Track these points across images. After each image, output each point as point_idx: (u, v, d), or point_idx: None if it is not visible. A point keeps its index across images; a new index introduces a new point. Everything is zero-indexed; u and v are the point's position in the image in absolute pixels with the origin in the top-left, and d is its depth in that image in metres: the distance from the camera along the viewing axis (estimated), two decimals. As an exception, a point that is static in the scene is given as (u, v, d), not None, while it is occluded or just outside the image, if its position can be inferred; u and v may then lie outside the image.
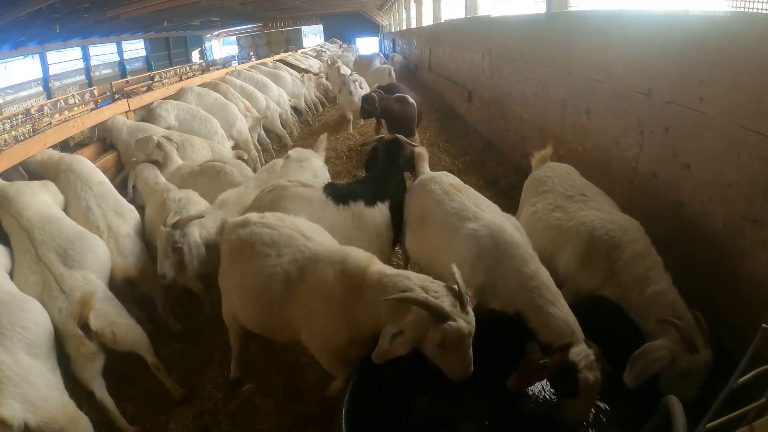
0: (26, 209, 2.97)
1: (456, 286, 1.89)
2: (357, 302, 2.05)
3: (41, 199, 3.15)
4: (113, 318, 2.55)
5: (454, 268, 1.93)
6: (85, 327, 2.38)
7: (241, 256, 2.37)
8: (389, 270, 2.07)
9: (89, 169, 3.64)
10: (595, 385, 1.89)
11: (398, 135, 3.51)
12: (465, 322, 1.85)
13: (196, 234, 2.98)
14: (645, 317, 2.16)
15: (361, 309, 2.04)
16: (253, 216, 2.49)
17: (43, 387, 2.12)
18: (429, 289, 1.91)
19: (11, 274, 2.77)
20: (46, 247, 2.76)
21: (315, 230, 2.43)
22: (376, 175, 3.20)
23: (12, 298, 2.45)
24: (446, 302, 1.86)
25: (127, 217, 3.41)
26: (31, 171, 3.69)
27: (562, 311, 2.05)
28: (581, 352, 1.92)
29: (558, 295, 2.12)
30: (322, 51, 18.15)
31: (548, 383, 2.25)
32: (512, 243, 2.27)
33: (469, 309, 1.89)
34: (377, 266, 2.10)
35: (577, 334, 2.00)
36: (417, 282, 1.95)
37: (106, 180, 3.69)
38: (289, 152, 3.80)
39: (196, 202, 3.48)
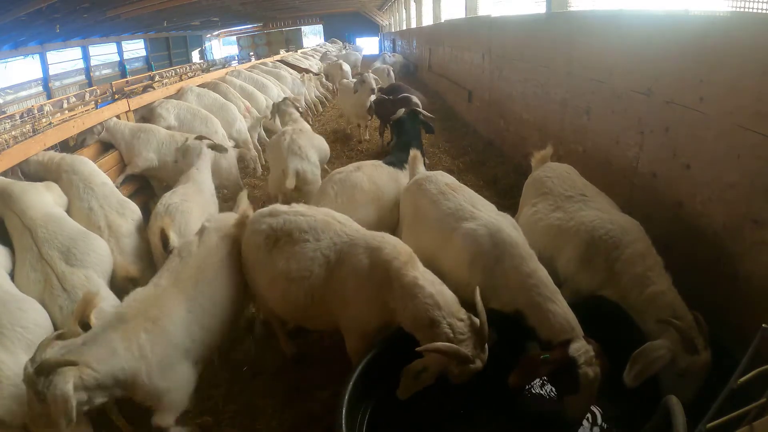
0: (30, 208, 2.98)
1: (478, 322, 1.99)
2: (387, 293, 2.11)
3: (45, 199, 3.17)
4: None
5: (478, 298, 2.01)
6: (85, 327, 2.39)
7: (278, 245, 2.37)
8: (422, 280, 2.09)
9: (91, 170, 3.64)
10: (594, 381, 1.90)
11: (415, 108, 4.73)
12: (480, 361, 1.97)
13: (69, 384, 1.87)
14: (644, 318, 2.17)
15: (388, 299, 2.11)
16: (281, 206, 2.53)
17: None
18: (456, 329, 1.98)
19: (12, 273, 2.78)
20: (49, 245, 2.77)
21: (347, 218, 2.48)
22: (408, 139, 4.19)
23: (12, 298, 2.46)
24: (469, 345, 1.96)
25: (128, 217, 3.41)
26: (32, 173, 3.67)
27: (561, 308, 2.07)
28: (581, 348, 1.93)
29: (556, 293, 2.13)
30: (329, 53, 17.56)
31: (548, 381, 2.25)
32: (510, 242, 2.28)
33: (486, 347, 2.00)
34: (414, 271, 2.13)
35: (577, 330, 2.01)
36: (446, 315, 2.01)
37: (109, 180, 3.68)
38: (204, 223, 2.77)
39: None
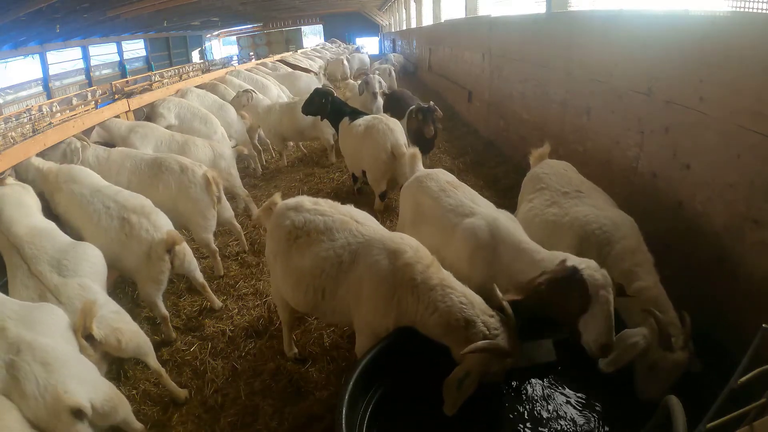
0: (13, 224, 2.89)
1: (505, 316, 2.02)
2: (406, 295, 2.10)
3: (26, 210, 3.06)
4: (117, 324, 2.52)
5: (498, 292, 2.04)
6: (88, 337, 2.34)
7: (297, 242, 2.41)
8: (449, 282, 2.11)
9: (92, 177, 3.56)
10: (605, 285, 1.81)
11: (318, 89, 5.49)
12: (516, 353, 2.00)
13: None
14: (629, 313, 2.17)
15: (411, 302, 2.10)
16: (306, 202, 2.54)
17: (93, 368, 2.16)
18: (490, 326, 2.00)
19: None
20: (38, 261, 2.67)
21: (366, 217, 2.50)
22: (347, 108, 5.18)
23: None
24: (504, 338, 1.99)
25: (145, 199, 3.37)
26: (29, 180, 3.55)
27: (548, 252, 2.17)
28: (582, 263, 1.91)
29: (544, 251, 2.23)
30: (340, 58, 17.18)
31: (555, 309, 2.05)
32: (504, 229, 2.36)
33: (517, 339, 2.02)
34: (440, 272, 2.14)
35: (571, 257, 2.01)
36: (479, 314, 2.02)
37: (111, 184, 3.59)
38: None
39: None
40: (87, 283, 2.65)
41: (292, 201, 2.58)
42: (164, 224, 3.23)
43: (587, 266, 1.89)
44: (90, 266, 2.79)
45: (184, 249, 3.21)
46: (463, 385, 1.92)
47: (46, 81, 17.04)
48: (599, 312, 1.81)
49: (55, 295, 2.54)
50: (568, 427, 2.09)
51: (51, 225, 3.08)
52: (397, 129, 4.38)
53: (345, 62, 12.07)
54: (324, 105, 5.29)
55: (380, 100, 6.88)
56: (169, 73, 16.21)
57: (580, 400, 2.19)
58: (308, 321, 3.20)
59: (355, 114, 4.99)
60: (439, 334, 2.06)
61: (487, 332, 1.98)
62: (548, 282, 1.92)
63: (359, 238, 2.30)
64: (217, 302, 3.51)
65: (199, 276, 3.42)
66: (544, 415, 2.21)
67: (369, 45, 29.92)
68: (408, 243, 2.22)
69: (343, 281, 2.27)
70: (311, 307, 2.44)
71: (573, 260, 1.95)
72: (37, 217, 3.10)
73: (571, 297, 1.85)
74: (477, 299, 2.08)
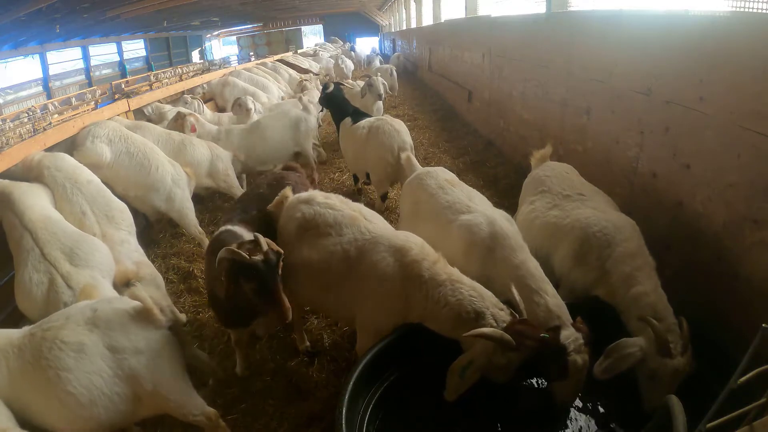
0: (29, 209, 2.95)
1: (516, 314, 2.01)
2: (415, 292, 2.11)
3: (44, 202, 3.13)
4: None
5: (514, 291, 2.04)
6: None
7: (306, 235, 2.44)
8: (458, 276, 2.11)
9: (75, 166, 3.52)
10: (583, 368, 1.92)
11: (337, 83, 5.79)
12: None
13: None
14: (628, 317, 2.17)
15: (417, 299, 2.10)
16: (318, 195, 2.57)
17: None
18: (499, 318, 2.00)
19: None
20: (51, 246, 2.74)
21: (375, 215, 2.52)
22: (353, 108, 5.25)
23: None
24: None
25: (118, 220, 3.35)
26: (10, 174, 3.48)
27: (545, 299, 2.12)
28: (570, 336, 1.94)
29: (543, 283, 2.19)
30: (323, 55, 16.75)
31: (536, 367, 2.19)
32: (502, 233, 2.35)
33: None
34: (447, 268, 2.15)
35: (564, 318, 2.05)
36: (489, 306, 2.02)
37: (94, 177, 3.56)
38: None
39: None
40: (97, 276, 2.70)
41: (304, 194, 2.61)
42: (126, 259, 3.10)
43: (574, 347, 1.91)
44: (100, 257, 2.85)
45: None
46: (465, 374, 1.93)
47: (46, 81, 17.02)
48: (572, 383, 1.95)
49: (66, 280, 2.59)
50: (569, 425, 2.09)
51: (61, 217, 3.13)
52: (402, 130, 4.37)
53: (346, 64, 12.39)
54: (331, 96, 5.43)
55: (380, 101, 6.92)
56: (167, 74, 16.18)
57: (582, 399, 2.20)
58: (308, 321, 3.20)
59: (357, 115, 4.99)
60: (450, 328, 2.05)
61: (496, 324, 1.98)
62: (535, 347, 1.92)
63: (366, 235, 2.32)
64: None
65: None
66: (544, 413, 2.21)
67: (369, 45, 29.83)
68: (413, 241, 2.24)
69: (349, 277, 2.28)
70: (317, 302, 2.46)
71: (564, 335, 1.94)
72: (50, 209, 3.15)
73: (551, 369, 1.96)
74: (487, 293, 2.08)
